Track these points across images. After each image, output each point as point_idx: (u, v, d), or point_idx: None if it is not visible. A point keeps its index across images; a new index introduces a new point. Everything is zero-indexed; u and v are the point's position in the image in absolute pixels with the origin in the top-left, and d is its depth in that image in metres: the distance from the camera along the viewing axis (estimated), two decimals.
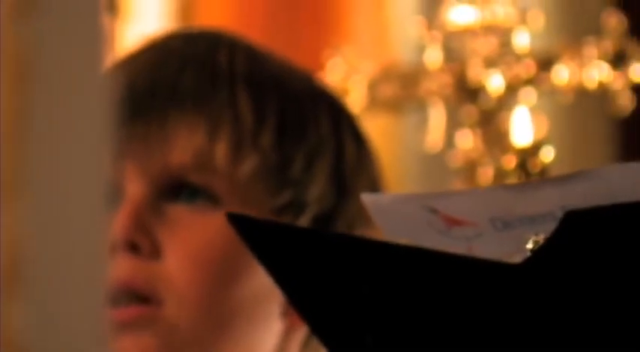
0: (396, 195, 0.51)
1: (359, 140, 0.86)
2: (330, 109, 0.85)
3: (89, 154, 0.30)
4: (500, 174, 1.09)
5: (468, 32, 1.10)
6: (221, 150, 0.81)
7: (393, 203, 0.49)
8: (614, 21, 1.09)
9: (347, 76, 1.15)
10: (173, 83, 0.83)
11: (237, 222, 0.48)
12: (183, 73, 0.83)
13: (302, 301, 0.48)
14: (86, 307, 0.29)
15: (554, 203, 0.44)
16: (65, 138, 0.29)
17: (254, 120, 0.82)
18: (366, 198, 0.51)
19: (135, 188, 0.81)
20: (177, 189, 0.81)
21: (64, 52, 0.29)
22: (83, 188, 0.29)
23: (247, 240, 0.48)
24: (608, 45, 1.07)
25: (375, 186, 0.86)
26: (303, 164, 0.82)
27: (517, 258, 0.43)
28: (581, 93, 1.12)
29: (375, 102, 1.13)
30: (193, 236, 0.81)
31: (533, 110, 1.11)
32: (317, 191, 0.82)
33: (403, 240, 0.46)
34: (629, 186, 0.43)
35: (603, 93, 1.10)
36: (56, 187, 0.28)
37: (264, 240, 0.47)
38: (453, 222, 0.47)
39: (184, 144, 0.81)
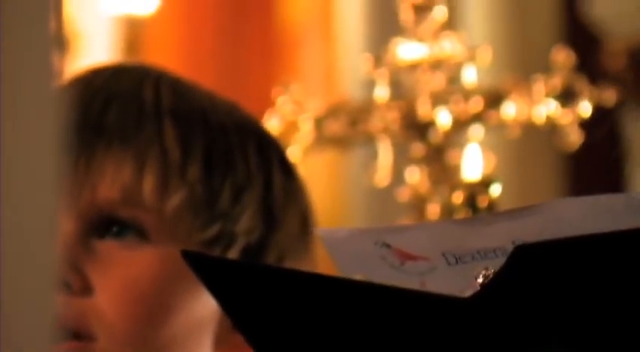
0: (350, 230, 0.51)
1: (288, 172, 0.87)
2: (257, 141, 0.86)
3: (38, 193, 0.30)
4: (448, 209, 1.10)
5: (416, 68, 1.11)
6: (148, 185, 0.81)
7: (347, 237, 0.49)
8: (562, 57, 1.11)
9: (295, 112, 1.16)
10: (99, 119, 0.83)
11: (192, 259, 0.48)
12: (109, 109, 0.83)
13: (257, 337, 0.48)
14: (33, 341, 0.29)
15: (505, 237, 0.45)
16: (15, 172, 0.29)
17: (181, 154, 0.82)
18: (321, 232, 0.51)
19: (64, 225, 0.81)
20: (106, 224, 0.81)
21: (15, 85, 0.29)
22: (33, 219, 0.29)
23: (201, 276, 0.48)
24: (557, 81, 1.09)
25: (304, 217, 0.87)
26: (231, 197, 0.83)
27: (468, 293, 0.44)
28: (530, 129, 1.14)
29: (323, 138, 1.13)
30: (123, 271, 0.81)
31: (481, 146, 1.12)
32: (246, 224, 0.83)
33: (357, 274, 0.46)
34: (578, 219, 0.44)
35: (551, 128, 1.12)
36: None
37: (219, 277, 0.47)
38: (406, 257, 0.47)
39: (112, 180, 0.81)
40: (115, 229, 0.81)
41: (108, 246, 0.81)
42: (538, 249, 0.41)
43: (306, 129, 1.18)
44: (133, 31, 6.10)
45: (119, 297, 0.80)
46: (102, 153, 0.81)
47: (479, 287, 0.44)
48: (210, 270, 0.47)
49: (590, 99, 1.10)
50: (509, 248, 0.42)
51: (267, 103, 1.21)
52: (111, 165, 0.81)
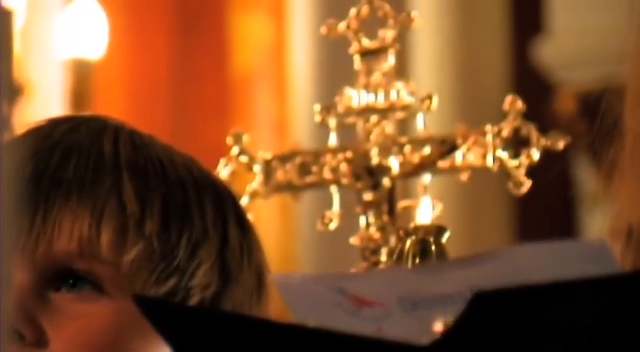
0: (306, 276, 0.51)
1: (243, 227, 0.88)
2: (214, 196, 0.87)
3: None
4: (399, 256, 1.10)
5: (366, 116, 1.13)
6: (106, 238, 0.82)
7: (303, 283, 0.49)
8: (512, 105, 1.13)
9: (247, 159, 1.16)
10: (58, 172, 0.83)
11: (143, 304, 0.47)
12: (67, 162, 0.84)
13: None
14: None
15: (462, 283, 0.45)
16: None
17: (139, 208, 0.83)
18: (275, 278, 0.51)
19: (20, 276, 0.81)
20: (62, 277, 0.82)
21: None
22: None
23: (153, 321, 0.47)
24: (507, 128, 1.11)
25: (259, 272, 0.88)
26: (187, 252, 0.84)
27: (425, 339, 0.44)
28: (480, 176, 1.15)
29: (274, 185, 1.14)
30: (78, 324, 0.82)
31: (431, 193, 1.13)
32: (201, 278, 0.84)
33: (312, 320, 0.46)
34: (535, 267, 0.44)
35: (502, 175, 1.13)
36: None
37: (172, 321, 0.47)
38: (361, 303, 0.47)
39: (69, 233, 0.82)
40: (71, 281, 0.82)
41: (63, 299, 0.81)
42: (496, 296, 0.42)
43: (257, 176, 1.19)
44: (84, 74, 6.06)
45: (73, 349, 0.80)
46: (60, 205, 0.81)
47: (437, 334, 0.44)
48: (162, 315, 0.47)
49: (540, 146, 1.12)
50: (467, 294, 0.42)
51: (219, 149, 1.21)
52: (69, 218, 0.81)
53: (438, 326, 0.45)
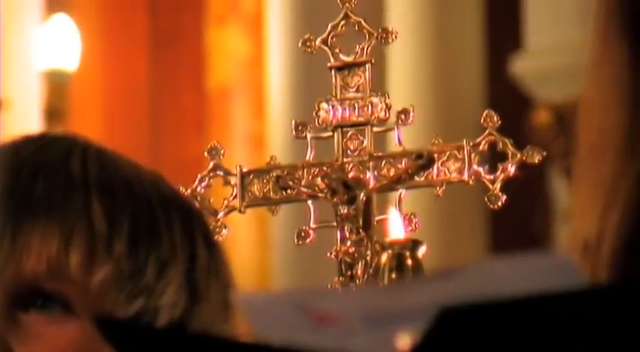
0: (269, 294, 0.51)
1: (211, 246, 0.88)
2: (182, 215, 0.87)
3: None
4: (375, 270, 1.10)
5: (343, 131, 1.13)
6: (75, 259, 0.81)
7: (266, 301, 0.48)
8: (489, 119, 1.14)
9: (224, 175, 1.17)
10: (26, 191, 0.83)
11: (104, 325, 0.47)
12: (36, 181, 0.83)
13: None
14: None
15: (429, 299, 0.44)
16: None
17: (107, 227, 0.82)
18: (240, 297, 0.50)
19: None
20: (31, 297, 0.81)
21: None
22: None
23: (115, 343, 0.46)
24: (483, 142, 1.12)
25: (227, 291, 0.87)
26: (155, 271, 0.83)
27: None
28: (456, 190, 1.15)
29: (251, 200, 1.14)
30: (47, 344, 0.81)
31: (407, 207, 1.13)
32: (170, 298, 0.83)
33: (275, 338, 0.46)
34: (504, 281, 0.44)
35: (479, 189, 1.14)
36: None
37: (134, 342, 0.46)
38: (325, 320, 0.47)
39: (38, 253, 0.80)
40: (39, 302, 0.80)
41: (32, 319, 0.80)
42: (462, 311, 0.41)
43: (234, 190, 1.19)
44: (60, 88, 6.03)
45: None
46: (28, 225, 0.80)
47: (403, 351, 0.43)
48: (125, 337, 0.46)
49: (516, 161, 1.12)
50: (432, 310, 0.42)
51: (196, 163, 1.21)
52: (37, 238, 0.80)
53: (404, 343, 0.44)
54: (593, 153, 0.74)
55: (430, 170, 1.07)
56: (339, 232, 1.10)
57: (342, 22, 1.19)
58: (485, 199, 1.11)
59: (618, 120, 0.73)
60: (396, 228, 1.08)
